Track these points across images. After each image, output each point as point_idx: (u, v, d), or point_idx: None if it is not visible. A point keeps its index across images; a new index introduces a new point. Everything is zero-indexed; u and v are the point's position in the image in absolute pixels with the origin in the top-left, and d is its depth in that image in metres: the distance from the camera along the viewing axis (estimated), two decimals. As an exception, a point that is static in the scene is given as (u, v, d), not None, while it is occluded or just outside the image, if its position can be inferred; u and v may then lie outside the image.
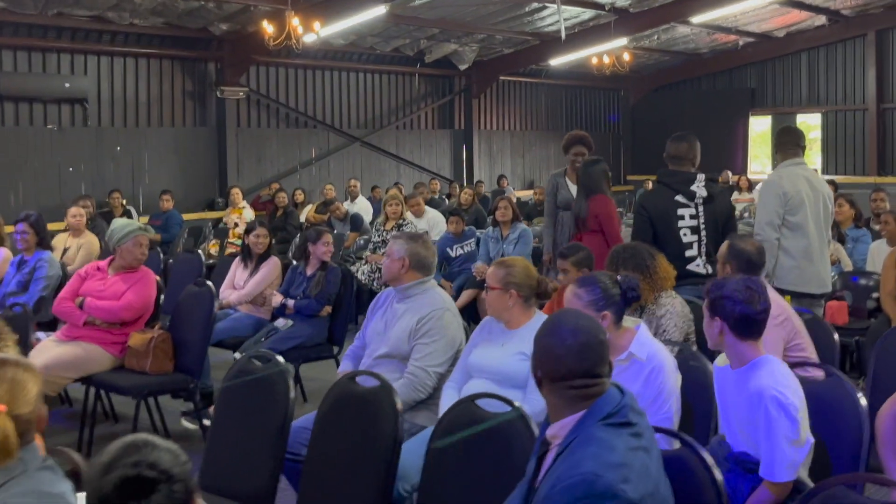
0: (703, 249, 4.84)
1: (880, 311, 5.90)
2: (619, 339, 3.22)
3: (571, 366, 2.17)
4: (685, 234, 4.80)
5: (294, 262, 6.65)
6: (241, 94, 14.20)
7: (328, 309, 6.19)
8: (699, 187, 4.90)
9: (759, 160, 19.09)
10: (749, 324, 2.83)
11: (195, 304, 5.60)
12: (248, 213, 12.55)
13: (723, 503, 2.32)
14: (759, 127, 19.24)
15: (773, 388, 2.71)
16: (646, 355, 3.18)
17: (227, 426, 3.54)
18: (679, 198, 4.84)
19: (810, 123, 18.27)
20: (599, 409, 2.14)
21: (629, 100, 20.18)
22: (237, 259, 6.86)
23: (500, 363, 3.67)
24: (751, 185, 14.86)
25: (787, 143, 5.22)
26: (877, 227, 7.84)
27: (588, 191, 5.91)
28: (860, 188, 11.35)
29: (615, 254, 4.23)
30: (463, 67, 16.72)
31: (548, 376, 2.20)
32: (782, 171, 5.11)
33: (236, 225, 12.21)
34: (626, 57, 14.73)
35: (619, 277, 3.30)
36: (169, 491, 1.56)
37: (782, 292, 4.75)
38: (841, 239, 7.50)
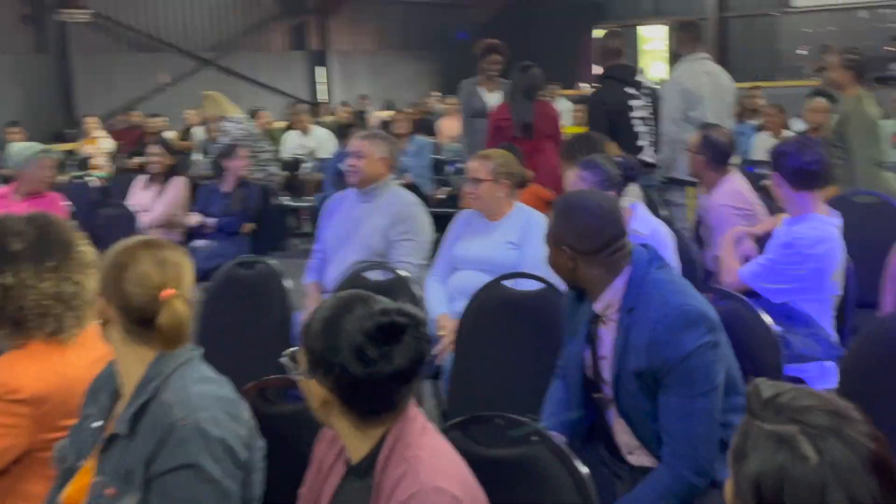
0: (651, 139, 5.01)
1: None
2: (620, 217, 3.33)
3: (611, 232, 2.24)
4: (636, 125, 4.95)
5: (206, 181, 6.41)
6: (84, 16, 13.29)
7: (251, 226, 6.02)
8: (642, 78, 5.05)
9: (607, 73, 19.67)
10: (801, 174, 3.08)
11: (115, 227, 5.32)
12: (106, 143, 11.88)
13: (777, 346, 2.47)
14: (605, 40, 19.78)
15: (794, 232, 3.01)
16: (648, 230, 3.30)
17: (222, 332, 3.41)
18: (629, 89, 4.97)
19: (656, 35, 18.93)
20: (641, 260, 2.24)
21: (481, 17, 20.24)
22: (137, 182, 6.50)
23: (490, 253, 3.71)
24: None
25: (687, 38, 5.39)
26: (752, 122, 8.37)
27: (530, 94, 5.78)
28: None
29: (571, 143, 4.32)
30: (316, -15, 16.30)
31: (589, 251, 2.23)
32: (682, 68, 5.30)
33: (92, 156, 11.57)
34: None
35: (618, 159, 3.39)
36: (417, 333, 1.58)
37: (682, 182, 5.00)
38: (725, 134, 7.94)
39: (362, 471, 1.65)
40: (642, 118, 4.99)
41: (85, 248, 2.14)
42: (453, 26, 20.22)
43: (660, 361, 2.11)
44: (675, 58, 5.40)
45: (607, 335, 2.25)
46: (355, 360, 1.57)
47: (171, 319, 1.73)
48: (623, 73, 5.05)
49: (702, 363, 2.09)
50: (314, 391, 1.63)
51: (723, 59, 17.66)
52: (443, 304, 3.69)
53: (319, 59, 17.41)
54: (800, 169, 3.09)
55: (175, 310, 1.74)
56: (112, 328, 1.79)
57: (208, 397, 1.73)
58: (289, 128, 10.86)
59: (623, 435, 2.29)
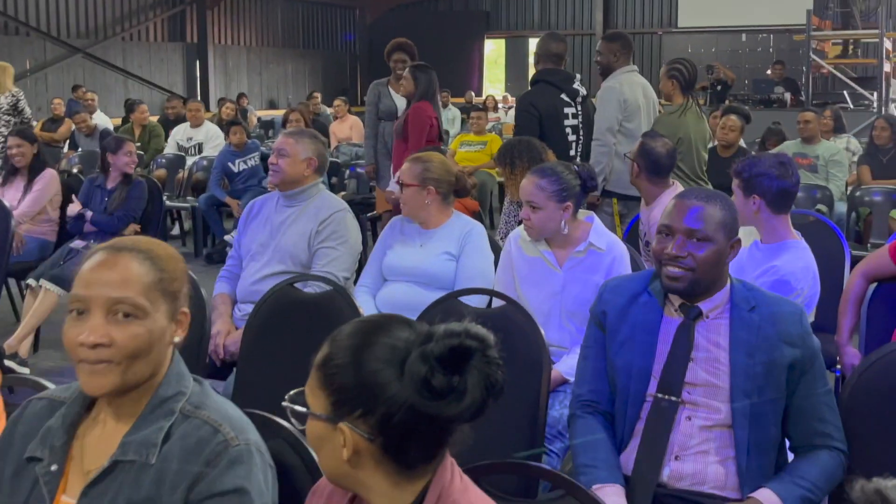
0: (580, 150, 4.79)
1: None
2: (577, 230, 3.07)
3: None
4: (568, 134, 4.72)
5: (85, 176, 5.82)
6: (-62, -8, 12.22)
7: (135, 227, 5.48)
8: (579, 86, 4.82)
9: (493, 84, 19.67)
10: (785, 197, 2.94)
11: (-16, 223, 4.72)
12: (-39, 132, 10.90)
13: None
14: (490, 49, 19.80)
15: (787, 272, 2.83)
16: (605, 245, 3.06)
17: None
18: (563, 96, 4.73)
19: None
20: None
21: (366, 19, 19.88)
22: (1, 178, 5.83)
23: (423, 264, 3.41)
24: (496, 105, 15.27)
25: (622, 50, 5.24)
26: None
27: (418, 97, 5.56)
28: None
29: (508, 148, 4.06)
30: (196, -26, 15.56)
31: (735, 246, 2.17)
32: (621, 78, 5.13)
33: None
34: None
35: (575, 167, 3.13)
36: (487, 357, 1.26)
37: (611, 195, 4.85)
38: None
39: None
40: (573, 127, 4.77)
41: None
42: (339, 27, 19.79)
43: (810, 352, 2.11)
44: (606, 70, 5.18)
45: (705, 334, 2.14)
46: (421, 395, 1.24)
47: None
48: (559, 79, 4.80)
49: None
50: (345, 439, 1.27)
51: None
52: (373, 320, 3.35)
53: (198, 51, 16.64)
54: (784, 191, 2.94)
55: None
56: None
57: (245, 421, 1.52)
58: (165, 122, 10.23)
59: (684, 438, 2.13)
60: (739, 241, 2.17)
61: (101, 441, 1.50)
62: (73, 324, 1.44)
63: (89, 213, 5.36)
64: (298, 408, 1.31)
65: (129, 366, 1.44)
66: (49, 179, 5.65)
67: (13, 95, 7.35)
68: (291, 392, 1.33)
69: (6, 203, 5.19)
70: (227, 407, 1.53)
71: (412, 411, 1.25)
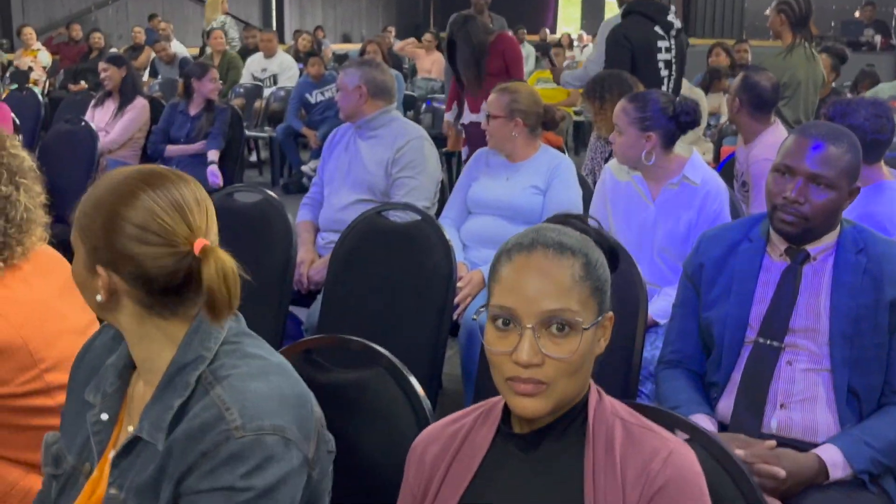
0: (673, 84, 4.61)
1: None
2: (669, 163, 2.97)
3: None
4: (661, 69, 4.54)
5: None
6: (23, -82, 12.33)
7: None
8: (673, 18, 4.62)
9: (568, 23, 19.24)
10: (879, 147, 2.77)
11: (72, 145, 4.80)
12: (44, 56, 11.09)
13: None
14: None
15: (887, 217, 2.67)
16: (700, 179, 2.95)
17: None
18: (657, 29, 4.53)
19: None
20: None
21: (441, -48, 19.56)
22: (95, 100, 5.95)
23: (509, 197, 3.34)
24: (571, 43, 14.95)
25: None
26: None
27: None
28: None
29: (598, 81, 3.92)
30: None
31: (852, 193, 2.04)
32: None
33: (30, 69, 10.77)
34: None
35: (676, 99, 3.01)
36: None
37: None
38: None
39: (554, 435, 1.31)
40: (666, 62, 4.58)
41: (18, 153, 1.80)
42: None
43: None
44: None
45: (809, 277, 2.06)
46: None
47: (220, 279, 1.23)
48: (653, 10, 4.57)
49: None
50: (608, 329, 1.32)
51: (687, 15, 17.39)
52: (458, 252, 3.31)
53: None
54: (877, 142, 2.76)
55: (222, 264, 1.24)
56: (120, 303, 1.29)
57: (273, 400, 1.26)
58: (244, 51, 10.26)
59: (786, 384, 2.04)
60: (859, 188, 2.03)
61: (144, 394, 1.33)
62: None
63: (213, 153, 5.44)
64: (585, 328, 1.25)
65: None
66: (139, 109, 5.69)
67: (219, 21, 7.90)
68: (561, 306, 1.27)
69: (93, 125, 5.27)
70: (252, 380, 1.27)
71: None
